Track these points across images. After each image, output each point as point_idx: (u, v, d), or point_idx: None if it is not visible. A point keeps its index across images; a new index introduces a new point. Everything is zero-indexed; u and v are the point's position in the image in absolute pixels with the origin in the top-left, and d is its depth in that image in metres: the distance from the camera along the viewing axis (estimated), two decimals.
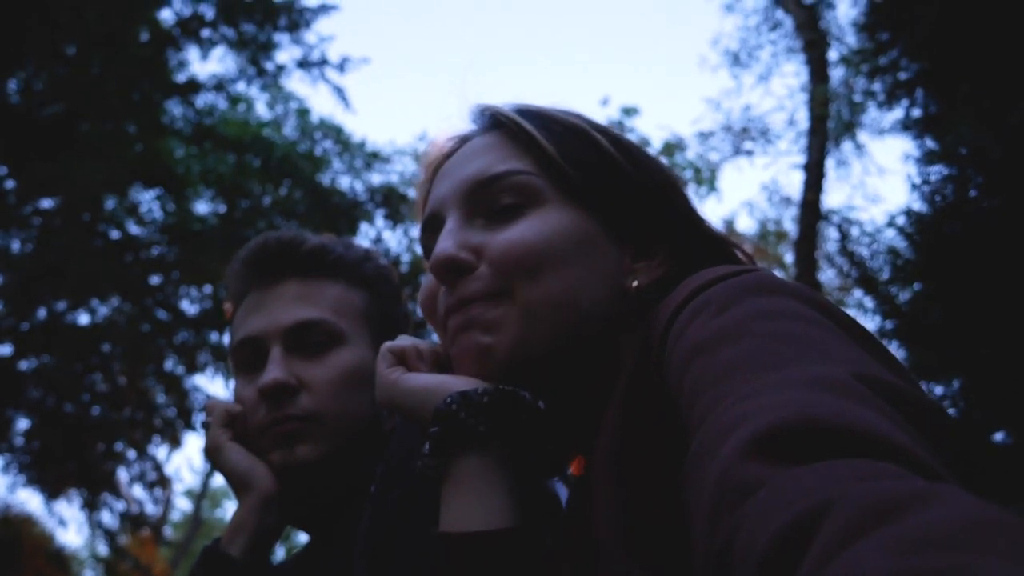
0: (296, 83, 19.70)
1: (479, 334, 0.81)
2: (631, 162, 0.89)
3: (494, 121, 0.93)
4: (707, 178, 12.39)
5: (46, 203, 9.03)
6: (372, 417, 1.27)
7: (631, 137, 0.93)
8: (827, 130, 10.04)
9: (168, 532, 20.10)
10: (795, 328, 0.57)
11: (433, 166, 0.98)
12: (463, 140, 0.97)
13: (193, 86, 9.37)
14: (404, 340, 0.93)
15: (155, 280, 10.10)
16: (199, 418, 10.44)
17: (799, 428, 0.44)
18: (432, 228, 0.91)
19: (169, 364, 10.45)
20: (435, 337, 0.95)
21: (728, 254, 0.89)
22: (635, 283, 0.84)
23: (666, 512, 0.64)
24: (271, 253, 1.30)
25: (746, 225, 13.00)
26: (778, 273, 0.90)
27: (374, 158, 13.03)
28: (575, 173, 0.85)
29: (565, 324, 0.80)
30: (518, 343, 0.80)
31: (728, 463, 0.45)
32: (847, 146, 11.51)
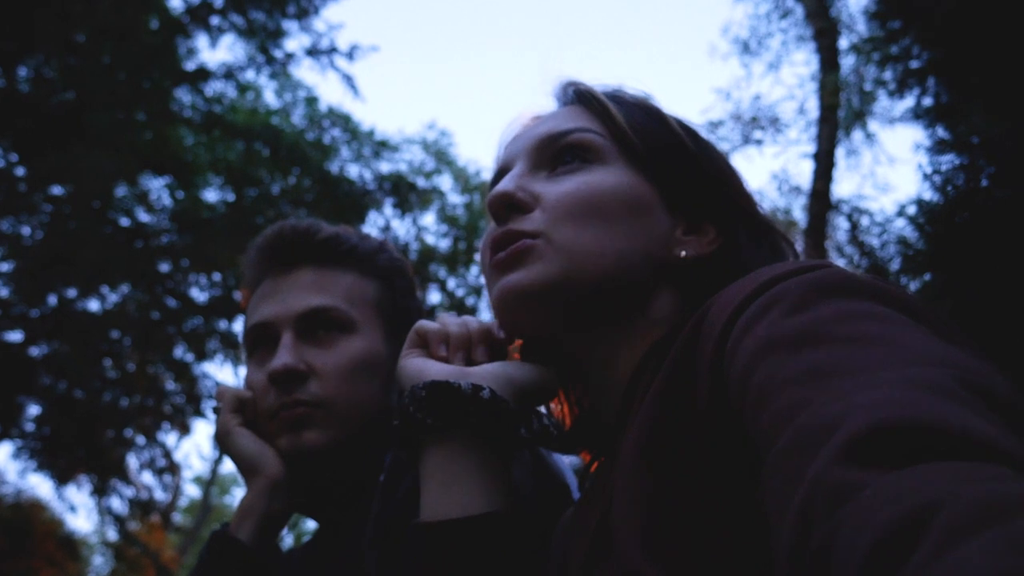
0: (305, 71, 19.71)
1: (513, 272, 0.82)
2: (694, 142, 0.92)
3: (574, 95, 0.96)
4: None
5: (56, 191, 9.05)
6: (382, 407, 1.28)
7: None
8: (837, 119, 9.98)
9: (177, 518, 20.21)
10: (880, 330, 0.55)
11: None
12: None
13: (202, 74, 9.36)
14: (439, 321, 0.93)
15: (164, 267, 10.12)
16: (208, 405, 10.49)
17: (899, 429, 0.43)
18: (497, 181, 0.95)
19: (179, 351, 10.49)
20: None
21: (775, 244, 0.90)
22: (683, 253, 0.85)
23: (692, 509, 0.63)
24: (286, 241, 1.31)
25: None
26: None
27: (383, 146, 13.04)
28: (639, 141, 0.88)
29: (599, 274, 0.82)
30: (547, 280, 0.81)
31: (825, 464, 0.44)
32: (857, 135, 11.45)
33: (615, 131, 0.89)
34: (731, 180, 0.91)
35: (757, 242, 0.88)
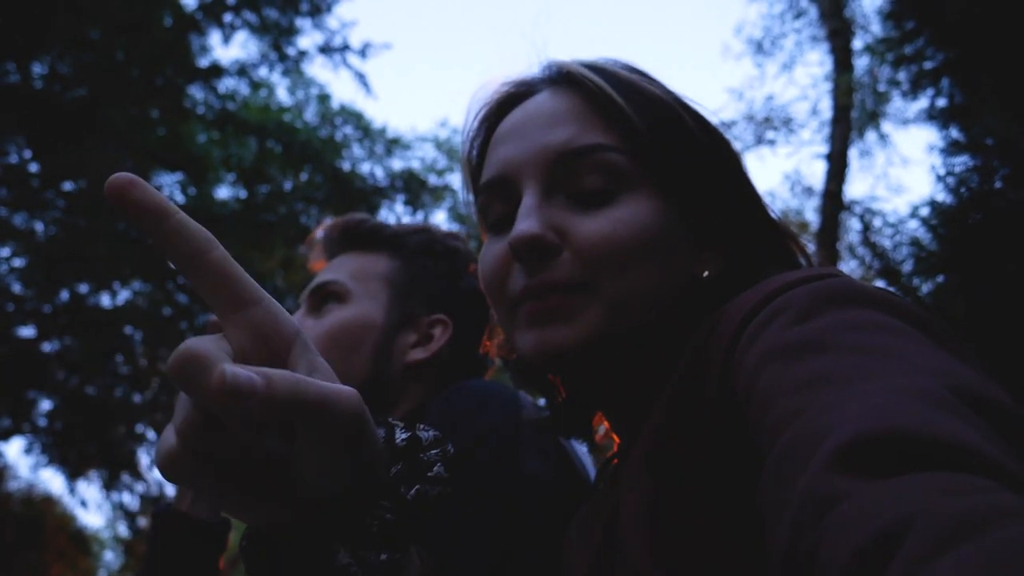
0: (318, 69, 19.75)
1: (558, 327, 0.76)
2: (712, 144, 0.85)
3: (569, 79, 0.85)
4: None
5: (69, 186, 9.09)
6: (371, 373, 1.31)
7: None
8: (851, 120, 9.94)
9: None
10: (883, 340, 0.54)
11: (489, 112, 0.92)
12: (523, 86, 0.90)
13: (215, 71, 9.38)
14: None
15: None
16: None
17: (885, 439, 0.43)
18: (497, 191, 0.84)
19: None
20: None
21: (785, 246, 0.86)
22: (705, 272, 0.81)
23: (700, 516, 0.63)
24: (333, 234, 1.44)
25: None
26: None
27: (395, 144, 13.07)
28: (661, 156, 0.80)
29: (642, 316, 0.77)
30: (595, 337, 0.75)
31: (813, 474, 0.44)
32: (871, 136, 11.42)
33: (633, 142, 0.80)
34: (742, 177, 0.86)
35: (770, 244, 0.85)
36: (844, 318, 0.57)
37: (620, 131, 0.80)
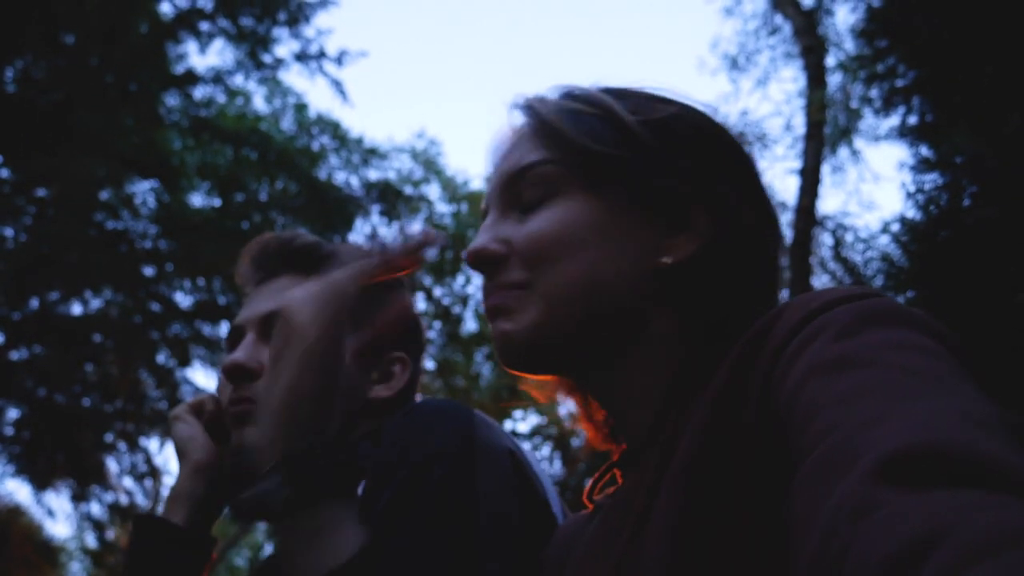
0: (294, 77, 19.66)
1: (502, 321, 0.84)
2: (663, 140, 0.86)
3: (526, 110, 0.93)
4: None
5: (40, 192, 9.00)
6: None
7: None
8: (823, 136, 10.04)
9: None
10: (924, 362, 0.56)
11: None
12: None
13: (191, 78, 9.34)
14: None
15: (148, 272, 10.08)
16: None
17: (928, 453, 0.45)
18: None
19: (161, 357, 10.43)
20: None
21: (765, 235, 0.87)
22: (667, 260, 0.82)
23: (733, 539, 0.64)
24: (269, 251, 1.33)
25: None
26: None
27: (371, 154, 13.05)
28: (596, 159, 0.85)
29: (583, 308, 0.82)
30: (535, 328, 0.82)
31: (853, 481, 0.46)
32: (843, 152, 11.53)
33: (569, 152, 0.86)
34: (727, 165, 0.88)
35: (753, 228, 0.86)
36: (886, 337, 0.60)
37: (558, 145, 0.88)
